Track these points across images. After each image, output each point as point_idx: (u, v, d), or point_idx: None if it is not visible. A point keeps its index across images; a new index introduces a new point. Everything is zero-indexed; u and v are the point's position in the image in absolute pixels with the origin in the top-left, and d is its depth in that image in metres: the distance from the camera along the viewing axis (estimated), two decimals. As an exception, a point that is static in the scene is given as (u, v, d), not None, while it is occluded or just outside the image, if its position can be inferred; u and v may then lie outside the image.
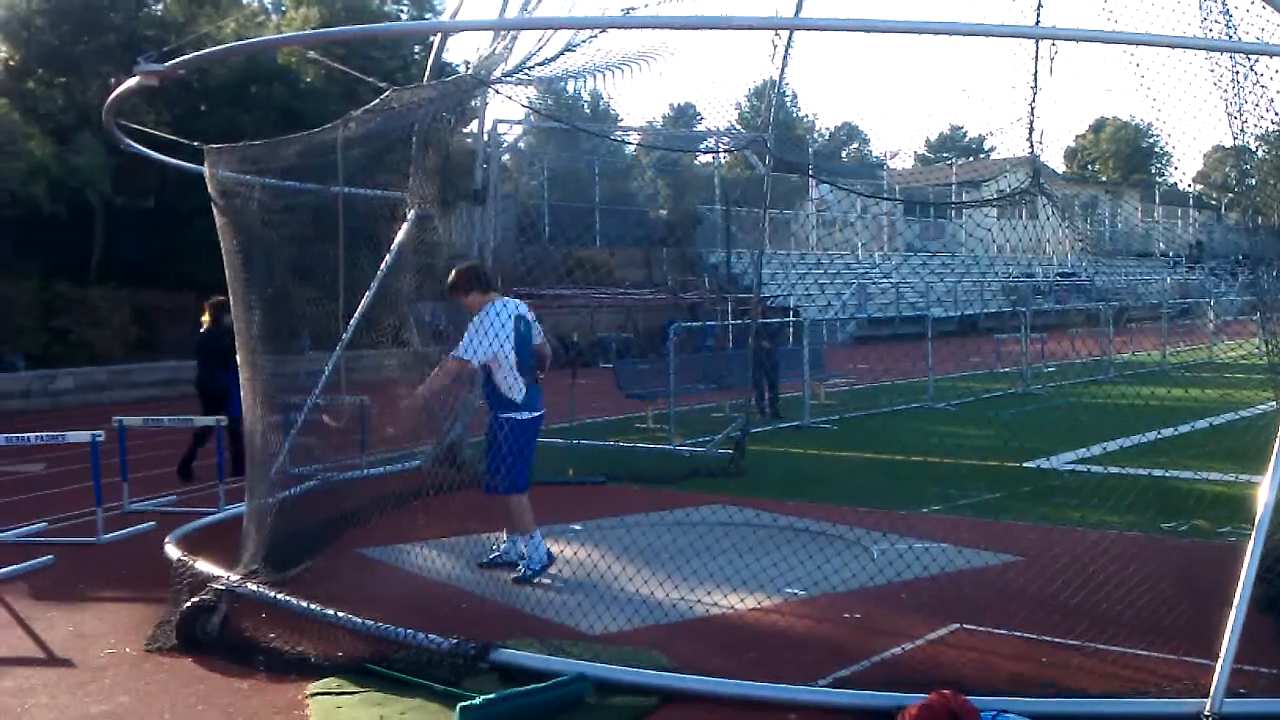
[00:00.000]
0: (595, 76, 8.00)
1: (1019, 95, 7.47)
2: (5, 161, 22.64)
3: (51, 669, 6.77)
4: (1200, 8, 7.35)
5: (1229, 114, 7.37)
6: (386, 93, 9.26)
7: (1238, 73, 7.22)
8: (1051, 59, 6.97)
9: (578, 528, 10.06)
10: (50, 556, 9.40)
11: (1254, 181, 8.18)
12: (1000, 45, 7.77)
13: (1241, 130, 7.50)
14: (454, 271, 8.68)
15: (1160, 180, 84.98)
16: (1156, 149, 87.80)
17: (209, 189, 10.04)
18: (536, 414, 8.61)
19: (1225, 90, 7.26)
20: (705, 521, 9.93)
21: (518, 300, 8.79)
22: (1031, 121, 7.02)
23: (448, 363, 8.47)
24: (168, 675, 6.58)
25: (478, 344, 8.24)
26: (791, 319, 20.47)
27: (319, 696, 6.13)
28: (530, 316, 8.63)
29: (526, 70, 8.12)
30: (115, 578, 8.87)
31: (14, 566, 9.01)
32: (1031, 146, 7.05)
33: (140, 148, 11.94)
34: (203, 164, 10.10)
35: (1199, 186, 76.25)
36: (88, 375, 23.14)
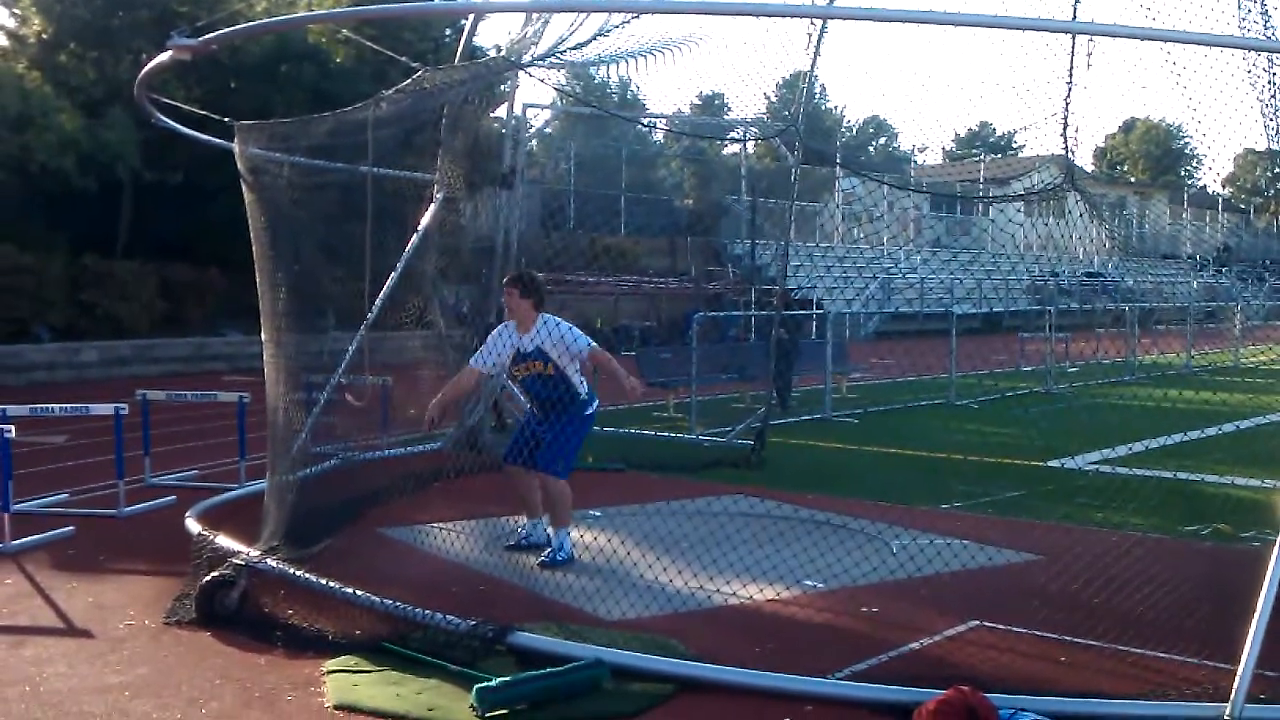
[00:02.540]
0: (626, 63, 7.98)
1: (1054, 90, 7.43)
2: (36, 134, 22.74)
3: (70, 639, 6.80)
4: (1239, 7, 7.29)
5: (1264, 116, 7.31)
6: (419, 73, 9.26)
7: (1274, 74, 7.16)
8: (1089, 54, 6.92)
9: (597, 514, 10.05)
10: (71, 528, 9.45)
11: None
12: (1036, 40, 7.71)
13: (1276, 133, 7.44)
14: (531, 276, 8.79)
15: (1190, 183, 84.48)
16: (1187, 150, 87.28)
17: (238, 165, 10.06)
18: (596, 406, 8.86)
19: (1261, 92, 7.20)
20: (725, 511, 9.92)
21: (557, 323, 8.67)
22: (1066, 117, 6.97)
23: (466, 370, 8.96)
24: (186, 648, 6.60)
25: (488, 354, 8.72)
26: (814, 312, 20.44)
27: (336, 674, 6.14)
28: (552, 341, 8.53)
29: (558, 54, 8.10)
30: (135, 550, 8.91)
31: (35, 536, 9.05)
32: (1065, 142, 7.00)
33: (170, 122, 11.96)
34: (232, 141, 10.12)
35: (1228, 190, 75.81)
36: (112, 349, 23.24)
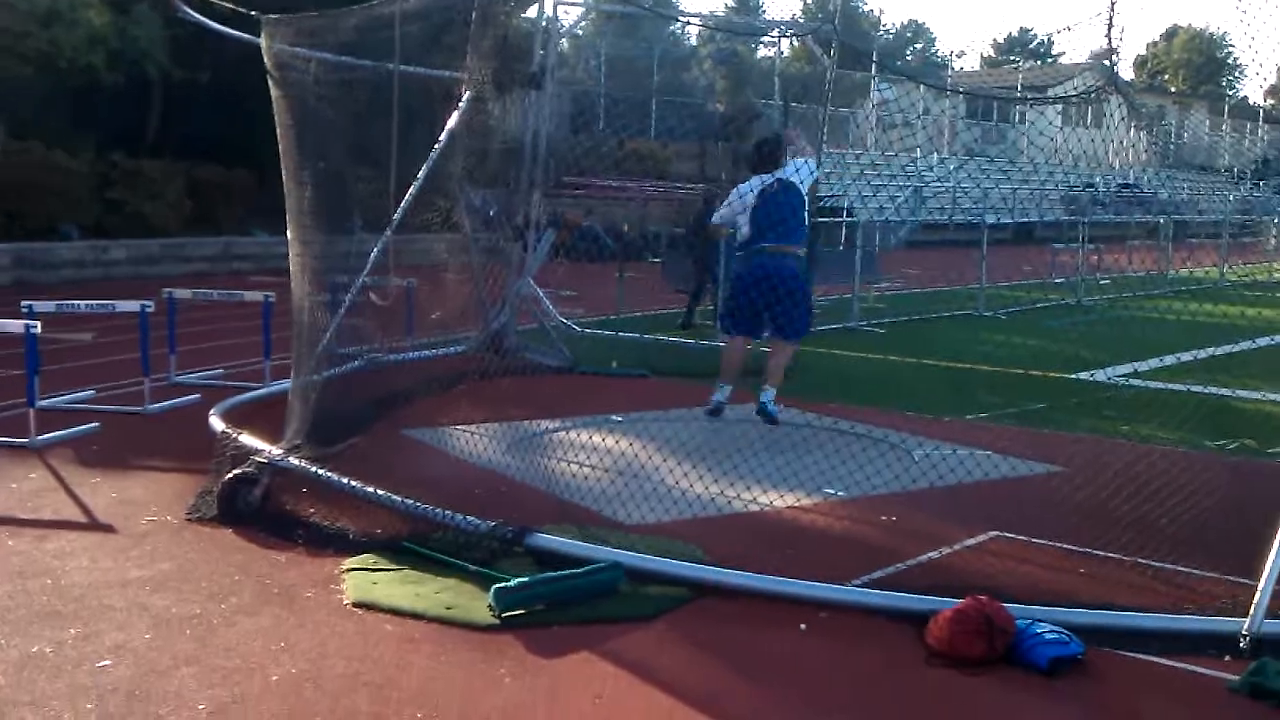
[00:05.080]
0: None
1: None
2: (64, 29, 22.55)
3: (93, 533, 6.86)
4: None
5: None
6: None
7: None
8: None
9: (619, 419, 10.06)
10: (96, 424, 9.51)
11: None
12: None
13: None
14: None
15: (1230, 93, 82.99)
16: (1229, 60, 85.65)
17: (265, 62, 9.95)
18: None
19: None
20: (747, 419, 9.90)
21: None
22: (1111, 17, 6.78)
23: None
24: (208, 544, 6.66)
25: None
26: (844, 219, 20.25)
27: (355, 572, 6.18)
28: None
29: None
30: (159, 447, 8.97)
31: (61, 432, 9.11)
32: (1110, 42, 6.80)
33: (197, 16, 11.86)
34: (259, 38, 10.01)
35: (1270, 101, 74.40)
36: (141, 247, 23.25)
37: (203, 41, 17.15)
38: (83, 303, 10.56)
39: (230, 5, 12.14)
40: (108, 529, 6.93)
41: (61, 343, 12.90)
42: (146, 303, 10.32)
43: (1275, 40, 7.33)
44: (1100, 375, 13.00)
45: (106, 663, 5.02)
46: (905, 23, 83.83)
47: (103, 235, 23.17)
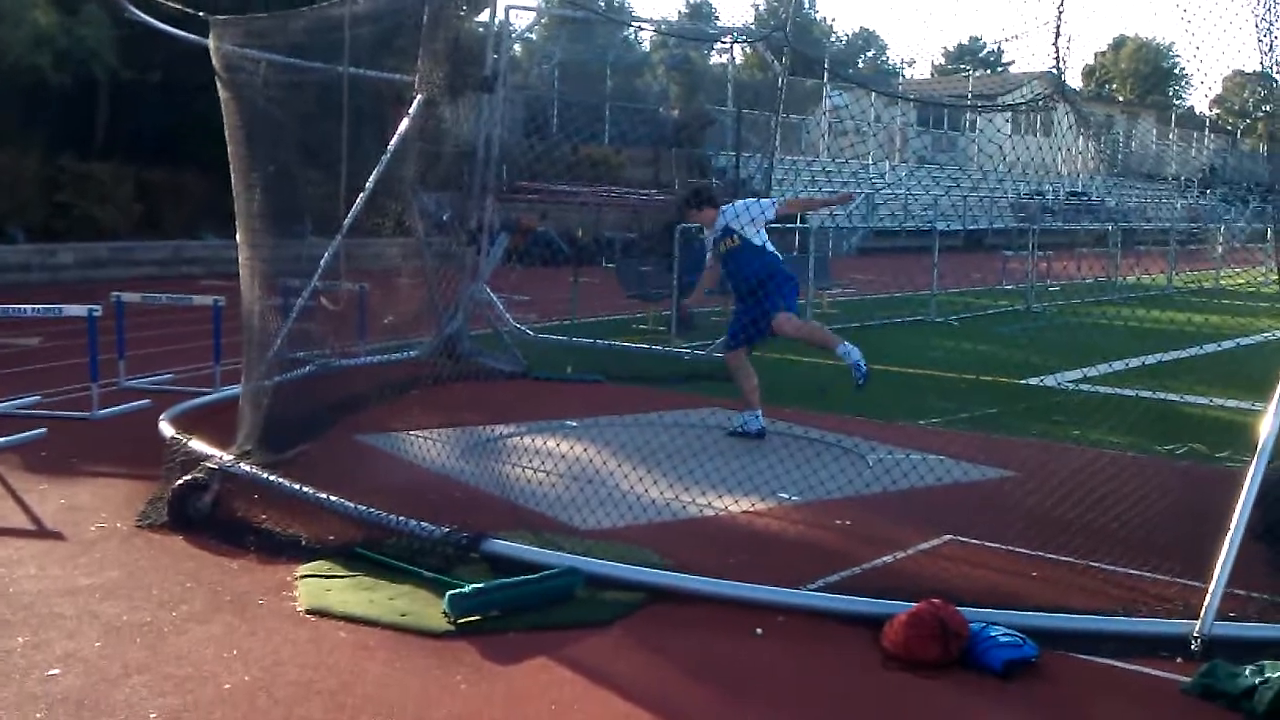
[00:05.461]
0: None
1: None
2: (9, 29, 22.26)
3: (41, 541, 6.76)
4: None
5: (1258, 33, 7.19)
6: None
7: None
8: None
9: (574, 424, 10.03)
10: (43, 429, 9.37)
11: (1271, 109, 8.01)
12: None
13: (1269, 49, 7.32)
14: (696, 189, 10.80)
15: (1177, 103, 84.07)
16: (1175, 70, 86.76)
17: (214, 62, 9.86)
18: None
19: (1257, 7, 7.08)
20: (702, 424, 9.91)
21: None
22: (1059, 26, 6.84)
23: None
24: (158, 552, 6.57)
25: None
26: (796, 225, 20.34)
27: (308, 579, 6.12)
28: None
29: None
30: (108, 453, 8.85)
31: (6, 438, 8.97)
32: (1057, 51, 6.86)
33: (145, 16, 11.74)
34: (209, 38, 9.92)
35: (1216, 111, 75.39)
36: (89, 251, 22.99)
37: (152, 41, 16.95)
38: (29, 307, 10.41)
39: (178, 6, 12.02)
40: (56, 536, 6.82)
41: (7, 347, 12.73)
42: (94, 307, 10.20)
43: (1219, 51, 7.43)
44: (1050, 380, 13.10)
45: (56, 671, 4.94)
46: (857, 31, 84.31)
47: (50, 238, 22.89)
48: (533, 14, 15.21)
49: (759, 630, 5.57)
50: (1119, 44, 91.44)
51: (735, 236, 9.64)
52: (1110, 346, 14.15)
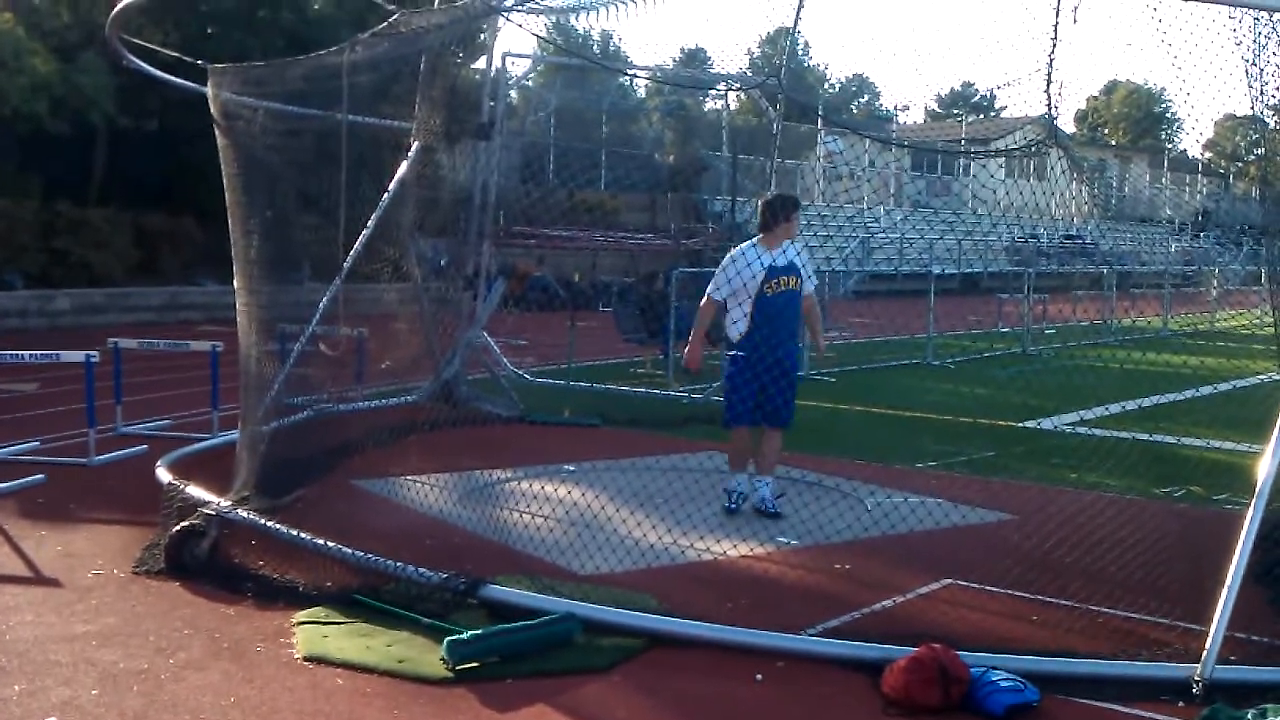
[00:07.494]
0: (607, 10, 7.87)
1: (1038, 46, 7.35)
2: (8, 77, 22.37)
3: (38, 588, 6.73)
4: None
5: (1248, 78, 7.25)
6: (395, 15, 9.12)
7: (1259, 35, 7.10)
8: (1075, 8, 6.83)
9: (571, 469, 10.02)
10: (41, 475, 9.35)
11: (1263, 152, 8.07)
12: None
13: (1260, 94, 7.39)
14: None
15: (1170, 146, 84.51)
16: (1167, 114, 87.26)
17: (212, 110, 9.92)
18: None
19: (1246, 52, 7.15)
20: (700, 468, 9.90)
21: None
22: (1050, 73, 6.90)
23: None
24: (155, 598, 6.55)
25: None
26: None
27: (306, 625, 6.10)
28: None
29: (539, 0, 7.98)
30: (105, 499, 8.83)
31: (4, 484, 8.95)
32: (1049, 98, 6.92)
33: (142, 64, 11.83)
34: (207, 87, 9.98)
35: (1208, 154, 75.80)
36: (86, 297, 23.01)
37: (150, 88, 17.07)
38: (27, 353, 10.43)
39: (174, 54, 12.10)
40: (53, 583, 6.80)
41: (5, 393, 12.72)
42: (92, 354, 10.20)
43: (1210, 96, 7.50)
44: (1047, 423, 13.11)
45: (53, 719, 4.91)
46: (850, 77, 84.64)
47: (47, 284, 22.92)
48: (529, 61, 15.28)
49: (759, 676, 5.55)
50: (1111, 89, 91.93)
51: (797, 278, 8.64)
52: (1107, 389, 14.18)
